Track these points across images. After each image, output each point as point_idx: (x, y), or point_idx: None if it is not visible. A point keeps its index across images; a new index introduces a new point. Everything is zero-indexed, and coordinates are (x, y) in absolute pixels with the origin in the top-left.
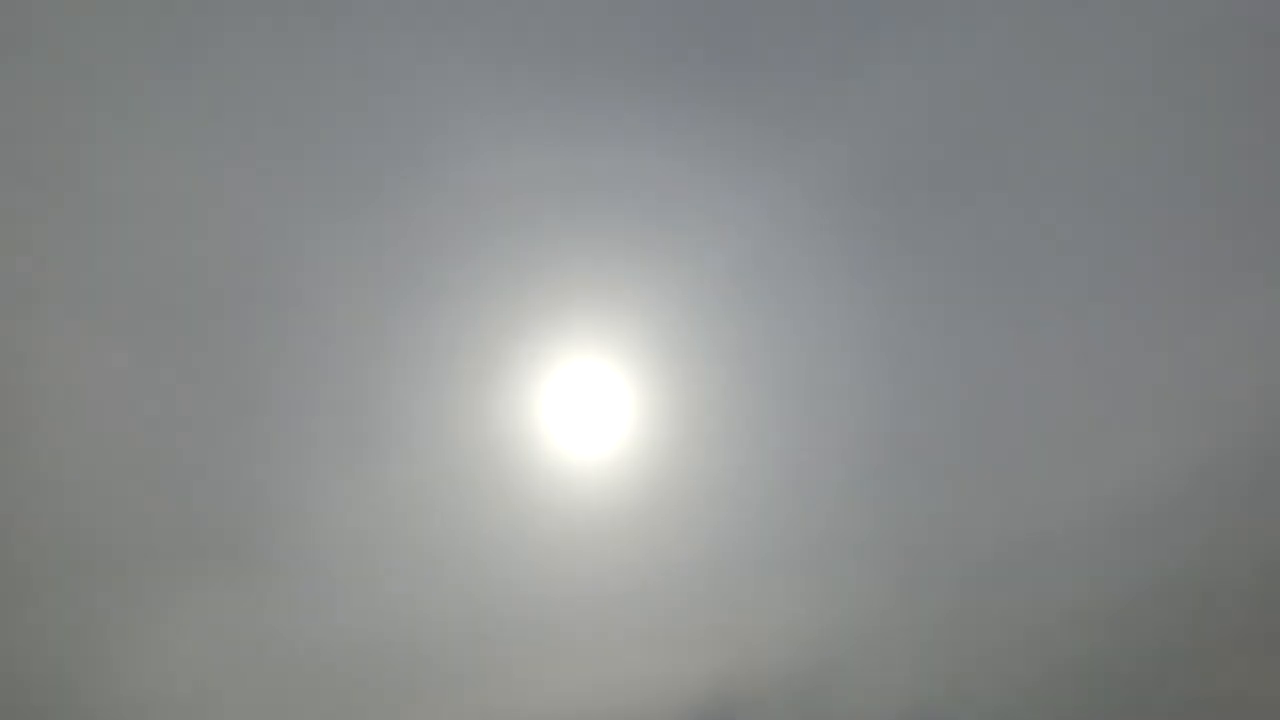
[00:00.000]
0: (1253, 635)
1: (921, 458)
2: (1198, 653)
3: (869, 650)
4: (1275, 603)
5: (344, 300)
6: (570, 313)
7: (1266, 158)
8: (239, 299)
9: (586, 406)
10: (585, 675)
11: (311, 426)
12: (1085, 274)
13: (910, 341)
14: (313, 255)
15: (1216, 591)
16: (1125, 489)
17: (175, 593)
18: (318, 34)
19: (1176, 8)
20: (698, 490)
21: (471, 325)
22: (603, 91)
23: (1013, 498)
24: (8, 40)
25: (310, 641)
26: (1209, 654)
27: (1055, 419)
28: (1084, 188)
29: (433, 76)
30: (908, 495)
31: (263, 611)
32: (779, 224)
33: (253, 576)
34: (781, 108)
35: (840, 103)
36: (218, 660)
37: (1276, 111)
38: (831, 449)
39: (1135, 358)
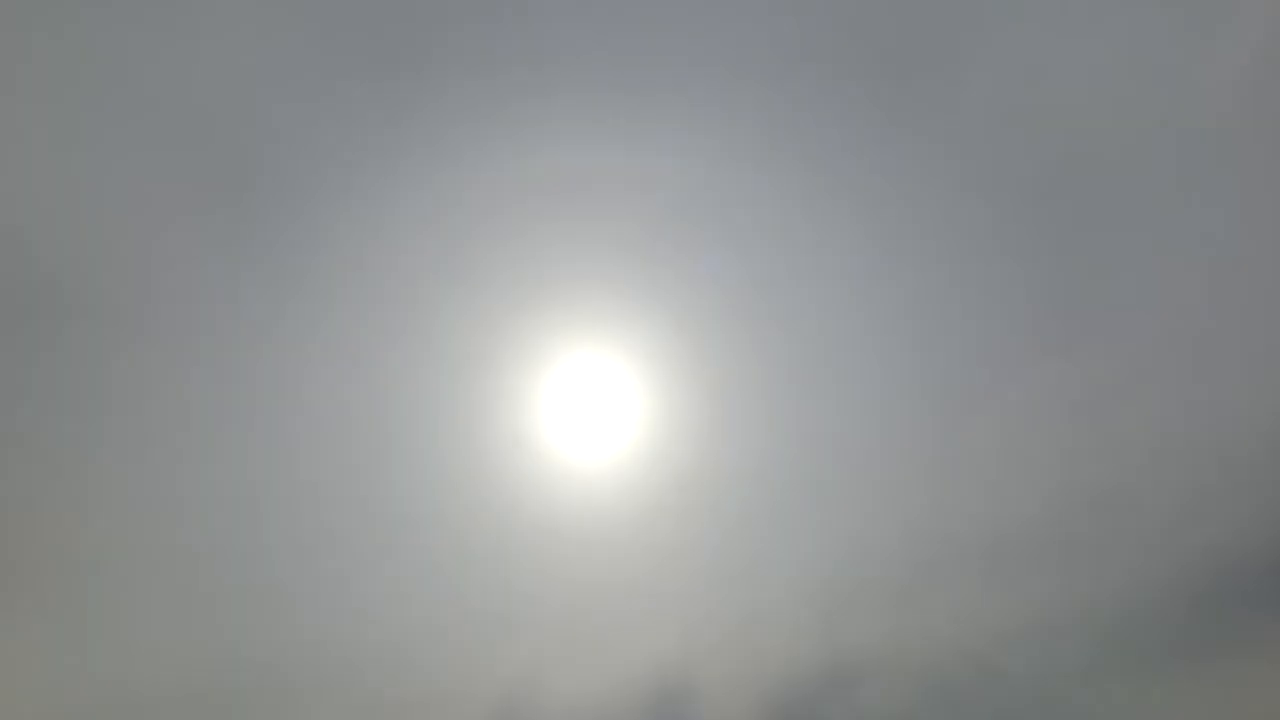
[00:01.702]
0: (1157, 654)
1: (933, 456)
2: (1108, 668)
3: (882, 649)
4: (1177, 623)
5: (346, 299)
6: (576, 312)
7: None
8: (239, 299)
9: (593, 407)
10: (587, 673)
11: (315, 425)
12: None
13: (923, 338)
14: (318, 256)
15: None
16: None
17: (190, 597)
18: (321, 34)
19: None
20: (705, 490)
21: (475, 325)
22: (608, 93)
23: (1023, 491)
24: None
25: (314, 643)
26: (1117, 670)
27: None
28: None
29: (437, 77)
30: (915, 493)
31: (266, 611)
32: (788, 222)
33: (254, 579)
34: (790, 108)
35: (847, 101)
36: (217, 659)
37: None
38: (841, 448)
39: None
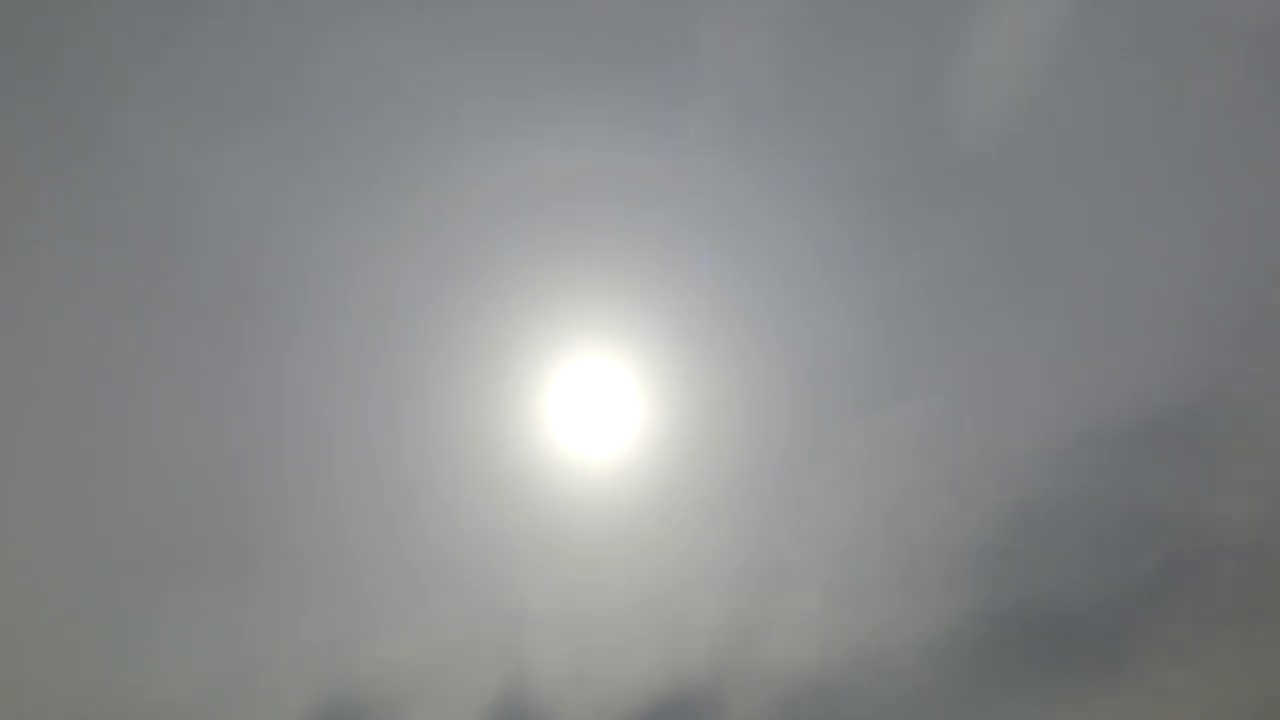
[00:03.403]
0: (990, 685)
1: (934, 455)
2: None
3: (879, 650)
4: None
5: (352, 300)
6: (581, 312)
7: None
8: (244, 301)
9: (597, 405)
10: (588, 672)
11: (319, 425)
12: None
13: (924, 336)
14: (320, 256)
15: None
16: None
17: (186, 596)
18: (330, 33)
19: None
20: (708, 489)
21: (481, 325)
22: (615, 93)
23: (1026, 491)
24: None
25: (316, 639)
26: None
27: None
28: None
29: (442, 78)
30: (923, 493)
31: (271, 612)
32: (792, 221)
33: (258, 579)
34: (797, 109)
35: (853, 103)
36: (226, 660)
37: None
38: (843, 448)
39: None
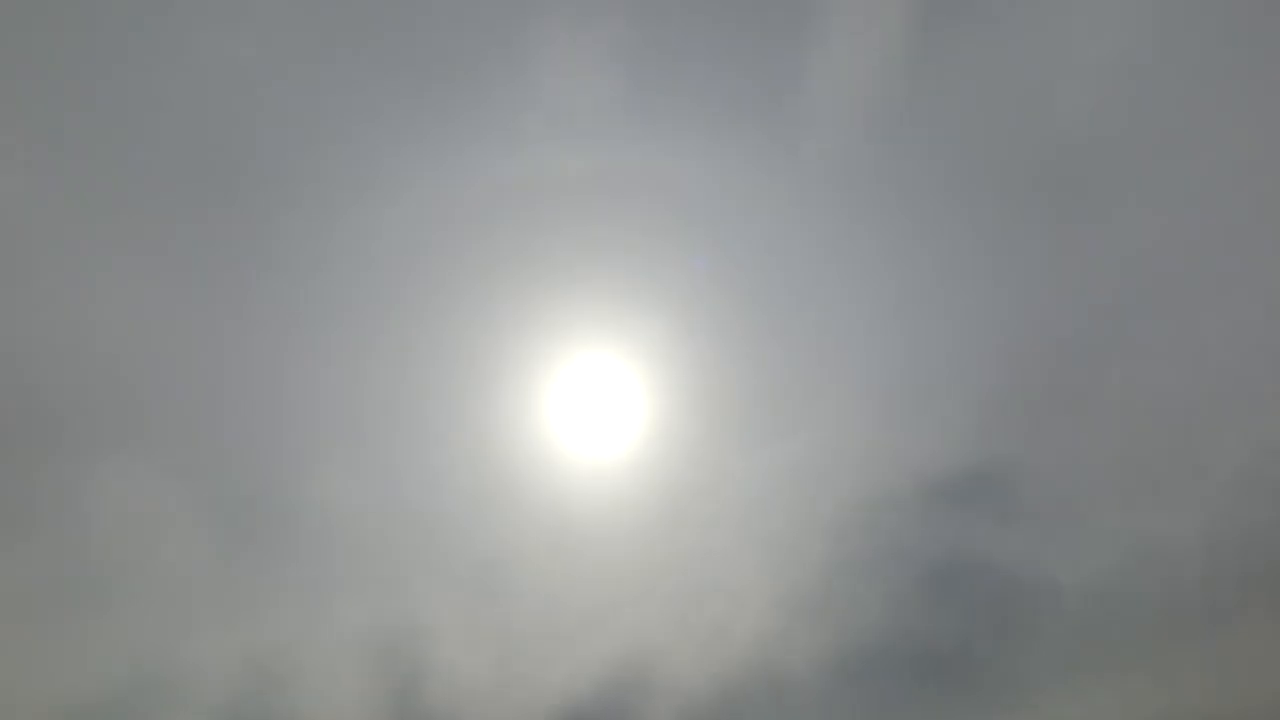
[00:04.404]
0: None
1: (938, 456)
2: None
3: (777, 668)
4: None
5: (353, 298)
6: (583, 311)
7: None
8: (243, 299)
9: (598, 405)
10: (587, 671)
11: (321, 422)
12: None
13: (926, 336)
14: (322, 255)
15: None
16: None
17: (211, 589)
18: (329, 33)
19: None
20: (708, 491)
21: (483, 325)
22: (616, 92)
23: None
24: None
25: (320, 635)
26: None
27: None
28: None
29: (442, 77)
30: (925, 493)
31: (275, 604)
32: (794, 220)
33: (262, 576)
34: (800, 108)
35: (855, 102)
36: (242, 647)
37: None
38: (844, 448)
39: None
